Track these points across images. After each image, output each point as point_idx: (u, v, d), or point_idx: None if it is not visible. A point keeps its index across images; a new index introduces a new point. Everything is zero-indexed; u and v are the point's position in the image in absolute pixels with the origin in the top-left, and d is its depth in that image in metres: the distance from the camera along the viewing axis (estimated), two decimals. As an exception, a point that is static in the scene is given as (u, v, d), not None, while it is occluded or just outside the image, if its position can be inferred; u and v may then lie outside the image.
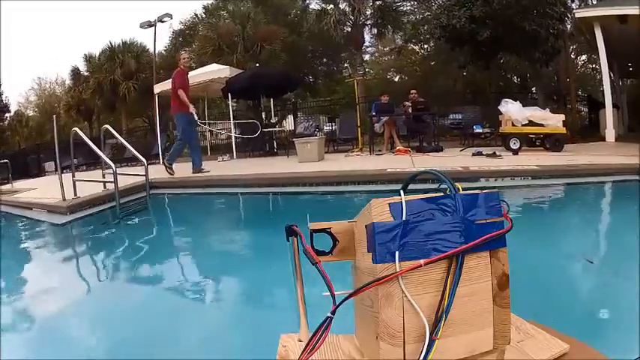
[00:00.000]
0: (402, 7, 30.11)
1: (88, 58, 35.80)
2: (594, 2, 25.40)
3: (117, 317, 4.04)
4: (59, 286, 5.10)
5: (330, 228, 1.66)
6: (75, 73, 36.87)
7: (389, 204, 1.45)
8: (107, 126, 11.10)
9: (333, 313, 1.41)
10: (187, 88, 12.14)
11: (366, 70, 38.86)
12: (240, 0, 33.83)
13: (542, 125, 13.32)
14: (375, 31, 30.42)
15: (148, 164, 9.49)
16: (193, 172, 11.73)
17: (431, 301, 1.41)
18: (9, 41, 70.58)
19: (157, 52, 32.72)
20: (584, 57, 32.21)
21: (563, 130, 13.25)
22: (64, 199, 8.51)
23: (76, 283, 5.16)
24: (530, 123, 13.34)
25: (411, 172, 8.03)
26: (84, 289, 4.98)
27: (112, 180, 8.15)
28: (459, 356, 1.45)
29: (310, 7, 31.79)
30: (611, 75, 25.61)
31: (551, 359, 1.64)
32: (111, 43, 34.95)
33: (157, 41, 41.76)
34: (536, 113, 13.46)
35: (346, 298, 1.45)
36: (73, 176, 9.16)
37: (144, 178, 9.36)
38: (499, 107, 13.87)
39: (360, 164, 11.96)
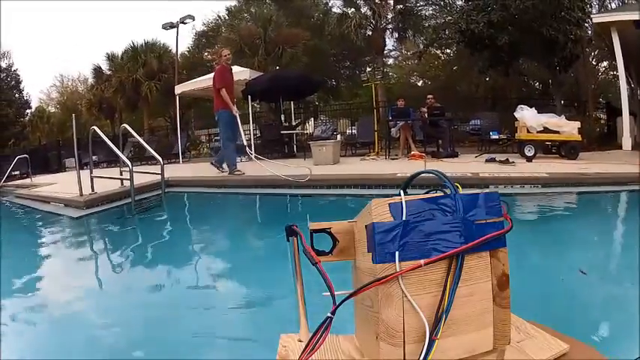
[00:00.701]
0: (423, 12, 30.03)
1: (111, 57, 36.07)
2: (614, 7, 25.29)
3: (117, 306, 4.26)
4: (64, 272, 5.50)
5: (330, 228, 1.68)
6: (97, 71, 37.11)
7: (389, 204, 1.46)
8: (125, 125, 11.43)
9: (333, 313, 1.42)
10: (231, 85, 11.98)
11: (389, 73, 38.84)
12: (263, 2, 33.94)
13: (557, 132, 13.16)
14: (396, 35, 30.40)
15: (168, 163, 9.64)
16: (230, 174, 11.55)
17: (431, 301, 1.42)
18: (32, 39, 71.17)
19: (179, 52, 33.09)
20: (605, 63, 31.81)
21: (579, 138, 13.08)
22: (82, 195, 8.80)
23: (81, 270, 5.57)
24: (546, 130, 13.19)
25: (424, 179, 7.99)
26: (88, 276, 5.29)
27: (129, 177, 8.44)
28: (459, 356, 1.46)
29: (333, 10, 31.76)
30: (630, 82, 25.38)
31: (551, 359, 1.65)
32: (133, 43, 35.23)
33: (180, 42, 42.07)
34: (551, 120, 13.30)
35: (346, 298, 1.46)
36: (91, 172, 9.46)
37: (160, 176, 9.53)
38: (514, 113, 13.75)
39: (373, 168, 12.08)
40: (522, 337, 1.74)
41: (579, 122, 13.54)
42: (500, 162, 11.76)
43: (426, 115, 15.61)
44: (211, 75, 19.46)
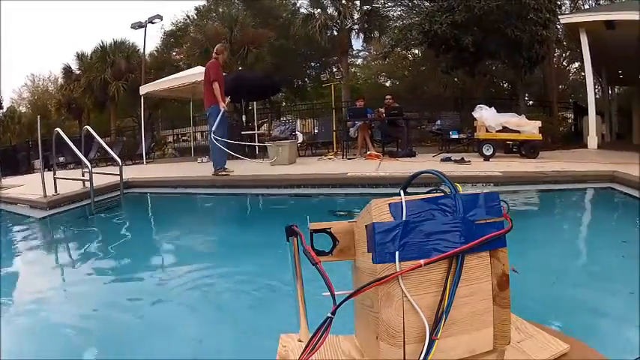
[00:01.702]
0: (390, 12, 30.29)
1: (80, 57, 35.56)
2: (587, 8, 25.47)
3: (71, 301, 4.43)
4: (21, 270, 5.74)
5: (330, 228, 1.67)
6: (67, 71, 36.59)
7: (389, 204, 1.46)
8: (88, 127, 11.45)
9: (333, 313, 1.41)
10: (222, 81, 11.62)
11: (357, 73, 39.02)
12: (232, 3, 33.80)
13: (518, 132, 13.23)
14: (362, 35, 30.43)
15: (133, 164, 9.69)
16: (214, 174, 11.20)
17: (431, 301, 1.42)
18: (4, 38, 70.62)
19: (148, 52, 32.86)
20: (576, 64, 32.18)
21: (539, 137, 13.15)
22: (45, 196, 8.90)
23: (37, 269, 5.76)
24: (506, 129, 13.25)
25: (371, 178, 8.07)
26: (42, 274, 5.43)
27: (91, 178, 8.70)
28: (459, 356, 1.46)
29: (300, 10, 31.90)
30: (601, 82, 25.62)
31: (551, 359, 1.64)
32: (102, 43, 34.76)
33: (149, 42, 41.78)
34: (511, 120, 13.35)
35: (346, 299, 1.46)
36: (54, 174, 9.63)
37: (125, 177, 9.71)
38: (473, 113, 13.78)
39: (325, 168, 12.10)
40: (522, 337, 1.74)
41: (540, 122, 13.63)
42: (456, 161, 11.80)
43: (384, 115, 15.63)
44: (176, 75, 19.29)
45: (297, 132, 18.76)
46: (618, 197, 7.99)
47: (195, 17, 35.47)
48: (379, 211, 1.44)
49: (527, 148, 13.07)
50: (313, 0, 29.49)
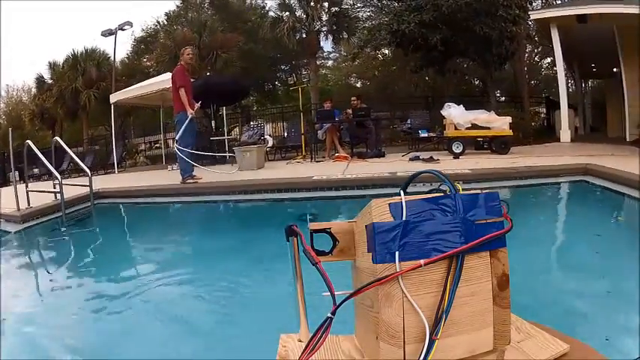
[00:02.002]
0: (359, 13, 30.27)
1: (53, 66, 35.20)
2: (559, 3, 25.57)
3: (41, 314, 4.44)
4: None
5: (330, 228, 1.66)
6: (39, 81, 36.23)
7: (389, 204, 1.45)
8: (57, 138, 11.23)
9: (333, 313, 1.41)
10: (189, 86, 11.30)
11: (327, 75, 39.02)
12: (202, 7, 33.58)
13: (488, 128, 13.21)
14: (330, 37, 30.40)
15: (105, 173, 9.60)
16: (182, 182, 10.88)
17: (431, 301, 1.41)
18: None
19: (119, 59, 32.61)
20: (549, 60, 32.42)
21: (510, 133, 13.14)
22: (19, 209, 8.76)
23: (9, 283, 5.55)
24: (475, 126, 13.25)
25: (337, 180, 8.11)
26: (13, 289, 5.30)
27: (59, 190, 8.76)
28: (459, 356, 1.45)
29: (269, 14, 31.75)
30: (574, 76, 25.72)
31: (551, 359, 1.64)
32: (74, 51, 34.36)
33: (120, 49, 41.43)
34: (480, 116, 13.36)
35: (346, 299, 1.46)
36: (27, 187, 9.44)
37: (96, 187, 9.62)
38: (441, 111, 13.76)
39: (295, 171, 11.94)
40: (522, 337, 1.75)
41: (510, 117, 13.66)
42: (424, 160, 11.86)
43: (351, 116, 15.65)
44: (145, 83, 19.03)
45: (266, 136, 18.68)
46: (592, 190, 8.03)
47: (165, 23, 35.21)
48: (379, 211, 1.44)
49: (497, 144, 13.04)
50: (282, 3, 29.34)
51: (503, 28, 16.74)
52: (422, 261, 1.38)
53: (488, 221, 1.47)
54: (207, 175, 11.21)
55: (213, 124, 20.23)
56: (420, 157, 12.22)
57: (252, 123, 25.28)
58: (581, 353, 1.69)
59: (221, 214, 9.90)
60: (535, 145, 15.49)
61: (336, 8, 28.97)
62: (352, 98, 16.95)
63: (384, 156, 14.59)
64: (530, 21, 19.93)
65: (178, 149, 10.93)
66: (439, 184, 1.63)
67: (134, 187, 11.49)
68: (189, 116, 10.87)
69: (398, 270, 1.37)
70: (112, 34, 27.90)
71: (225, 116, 21.75)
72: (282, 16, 28.51)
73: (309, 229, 1.64)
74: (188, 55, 11.50)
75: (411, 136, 17.79)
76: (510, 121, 13.24)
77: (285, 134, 21.96)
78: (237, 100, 23.47)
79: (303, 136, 18.21)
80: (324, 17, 29.21)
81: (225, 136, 20.15)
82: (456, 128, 13.23)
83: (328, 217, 8.59)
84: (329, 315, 1.41)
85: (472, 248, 1.42)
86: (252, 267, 5.51)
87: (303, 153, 17.50)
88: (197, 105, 11.33)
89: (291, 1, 28.97)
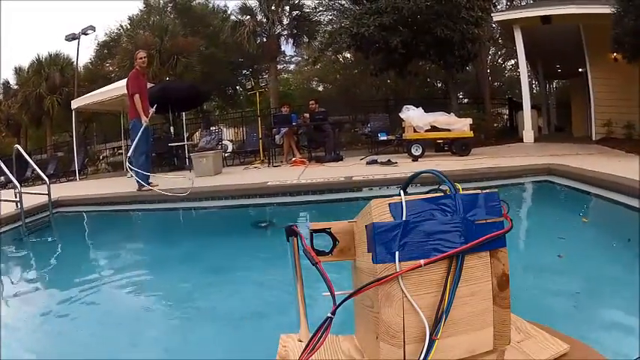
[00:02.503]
0: (321, 17, 30.23)
1: (18, 71, 34.55)
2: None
3: None
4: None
5: (330, 228, 1.66)
6: (5, 86, 35.50)
7: (389, 204, 1.45)
8: (17, 146, 11.28)
9: (333, 313, 1.41)
10: (145, 91, 11.06)
11: (289, 80, 39.05)
12: (164, 11, 33.29)
13: (448, 130, 13.29)
14: (291, 41, 30.37)
15: (67, 181, 9.45)
16: (138, 190, 10.59)
17: (431, 301, 1.41)
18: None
19: (83, 64, 32.25)
20: (512, 61, 32.77)
21: (470, 134, 13.31)
22: None
23: None
24: (435, 128, 13.31)
25: (292, 186, 8.14)
26: None
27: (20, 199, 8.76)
28: (459, 356, 1.45)
29: (231, 17, 31.46)
30: (538, 77, 25.93)
31: (551, 359, 1.64)
32: (38, 56, 33.56)
33: (84, 53, 41.07)
34: (439, 118, 13.51)
35: (346, 299, 1.46)
36: None
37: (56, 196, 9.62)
38: (400, 114, 13.80)
39: (251, 177, 11.90)
40: (522, 337, 1.75)
41: (471, 119, 13.86)
42: (382, 163, 11.87)
43: (308, 120, 15.67)
44: (105, 88, 18.72)
45: (225, 141, 18.53)
46: (557, 190, 8.14)
47: (129, 27, 34.75)
48: (379, 211, 1.44)
49: (458, 146, 13.14)
50: (243, 7, 29.00)
51: (465, 30, 16.85)
52: (422, 261, 1.39)
53: (488, 221, 1.48)
54: (163, 182, 11.06)
55: (172, 130, 19.97)
56: (378, 161, 12.25)
57: (212, 128, 25.13)
58: (581, 353, 1.70)
59: (174, 221, 9.72)
60: (498, 146, 15.68)
61: (297, 12, 28.91)
62: (310, 102, 17.03)
63: (342, 160, 14.58)
64: (494, 23, 19.97)
65: (132, 160, 10.67)
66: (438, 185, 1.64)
67: (91, 195, 11.37)
68: (144, 124, 10.54)
69: (398, 270, 1.38)
70: (76, 38, 27.57)
71: (184, 121, 21.58)
72: (242, 20, 28.25)
73: (309, 229, 1.64)
74: (140, 59, 11.19)
75: (371, 139, 17.83)
76: (471, 122, 13.42)
77: (244, 139, 21.85)
78: (197, 105, 23.28)
79: (260, 141, 18.08)
80: (285, 21, 29.14)
81: (185, 142, 19.91)
82: (415, 131, 13.26)
83: (283, 223, 8.49)
84: (329, 315, 1.41)
85: (472, 248, 1.43)
86: (202, 276, 5.53)
87: (261, 158, 17.36)
88: (152, 110, 11.00)
89: (253, 5, 28.71)
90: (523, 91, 17.29)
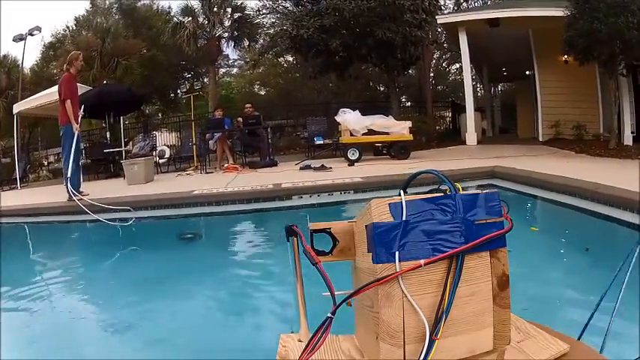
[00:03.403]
0: (264, 20, 30.22)
1: (-32, 74, 33.61)
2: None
3: None
4: None
5: (330, 228, 1.67)
6: (-44, 90, 34.61)
7: (389, 204, 1.45)
8: None
9: (333, 313, 1.42)
10: (76, 96, 10.49)
11: (231, 83, 39.05)
12: (110, 12, 32.74)
13: (386, 133, 13.32)
14: (232, 44, 30.07)
15: (11, 188, 9.16)
16: (68, 200, 9.89)
17: (431, 301, 1.42)
18: None
19: (29, 66, 31.50)
20: (457, 65, 32.87)
21: (409, 137, 13.36)
22: None
23: None
24: (373, 132, 13.29)
25: (218, 195, 8.18)
26: None
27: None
28: (459, 356, 1.46)
29: (174, 19, 30.77)
30: (482, 80, 26.20)
31: (551, 359, 1.65)
32: (-14, 58, 32.76)
33: (33, 55, 40.28)
34: (377, 121, 13.55)
35: (346, 299, 1.48)
36: None
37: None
38: (336, 117, 13.75)
39: (182, 184, 11.61)
40: (522, 337, 1.76)
41: (410, 122, 14.04)
42: (315, 169, 11.82)
43: (242, 125, 15.52)
44: (48, 91, 18.21)
45: (162, 147, 18.24)
46: (501, 195, 7.95)
47: (74, 28, 34.11)
48: (379, 211, 1.44)
49: (397, 149, 13.21)
50: (184, 8, 28.75)
51: (407, 33, 16.87)
52: (422, 261, 1.39)
53: (488, 221, 1.48)
54: (99, 188, 11.00)
55: (108, 135, 19.50)
56: (312, 166, 12.14)
57: (154, 133, 24.81)
58: (581, 353, 1.71)
59: (102, 233, 9.09)
60: (439, 149, 15.84)
61: (239, 14, 28.71)
62: (246, 105, 16.83)
63: (276, 165, 14.47)
64: (439, 26, 20.02)
65: (65, 169, 10.12)
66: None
67: (33, 204, 10.77)
68: (76, 133, 10.07)
69: (398, 270, 1.38)
70: (22, 39, 26.96)
71: (123, 126, 21.08)
72: (183, 22, 28.03)
73: (309, 229, 1.65)
74: (80, 61, 10.84)
75: (308, 143, 17.75)
76: (410, 125, 13.49)
77: (181, 144, 21.58)
78: (134, 109, 22.98)
79: (194, 147, 17.76)
80: (227, 23, 28.93)
81: (123, 148, 19.25)
82: (351, 134, 13.17)
83: (209, 235, 8.55)
84: (329, 315, 1.41)
85: (472, 248, 1.43)
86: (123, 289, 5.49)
87: (195, 164, 17.07)
88: (80, 112, 10.48)
89: (195, 6, 28.47)
90: (466, 94, 17.53)
